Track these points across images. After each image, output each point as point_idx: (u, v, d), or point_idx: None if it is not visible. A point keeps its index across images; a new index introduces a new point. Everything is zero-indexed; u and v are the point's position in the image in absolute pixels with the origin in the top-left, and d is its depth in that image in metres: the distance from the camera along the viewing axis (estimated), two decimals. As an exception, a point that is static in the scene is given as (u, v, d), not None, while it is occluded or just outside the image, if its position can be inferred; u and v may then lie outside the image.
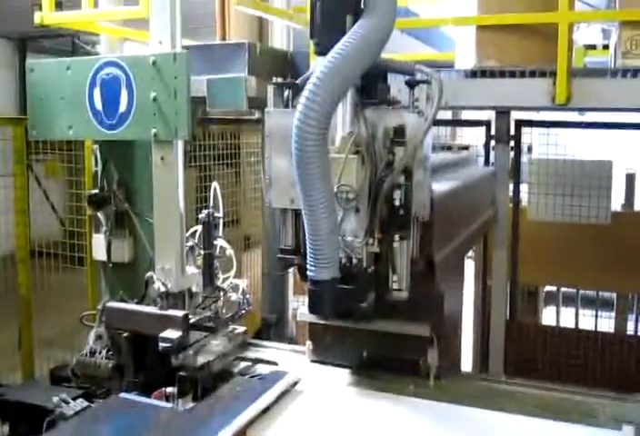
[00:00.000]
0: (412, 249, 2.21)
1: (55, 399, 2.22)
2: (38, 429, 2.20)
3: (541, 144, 4.03)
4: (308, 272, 2.07)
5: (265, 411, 1.99)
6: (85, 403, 2.21)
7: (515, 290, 3.98)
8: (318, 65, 2.06)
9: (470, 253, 3.94)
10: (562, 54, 2.72)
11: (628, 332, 4.26)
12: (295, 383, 2.20)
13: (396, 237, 2.15)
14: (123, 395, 2.15)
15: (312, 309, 2.19)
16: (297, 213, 2.34)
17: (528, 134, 4.12)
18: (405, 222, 2.14)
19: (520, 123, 3.70)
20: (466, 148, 4.44)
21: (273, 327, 3.05)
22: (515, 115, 3.65)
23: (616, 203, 4.13)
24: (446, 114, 4.73)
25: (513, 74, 2.96)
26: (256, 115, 3.69)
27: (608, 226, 3.77)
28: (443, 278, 2.36)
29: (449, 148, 4.48)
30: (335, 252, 2.03)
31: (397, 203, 2.12)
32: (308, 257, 2.07)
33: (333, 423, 1.96)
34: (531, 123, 3.81)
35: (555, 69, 2.76)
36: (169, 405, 2.07)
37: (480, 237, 3.59)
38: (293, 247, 2.41)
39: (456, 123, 4.46)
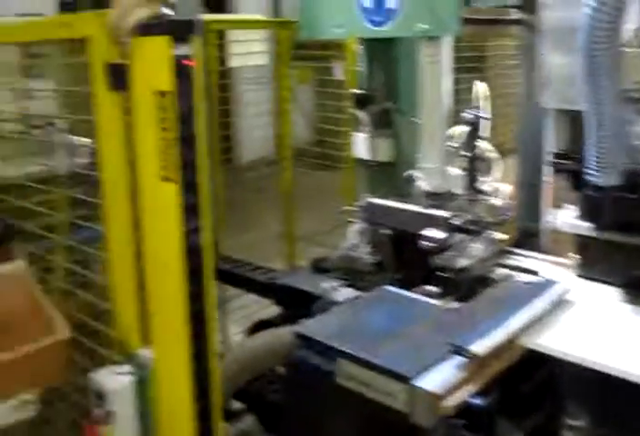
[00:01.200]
0: None
1: (326, 285, 2.34)
2: (304, 312, 2.36)
3: None
4: (588, 177, 1.93)
5: (535, 319, 1.93)
6: (354, 292, 2.30)
7: None
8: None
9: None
10: None
11: None
12: (565, 294, 2.11)
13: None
14: (388, 288, 2.21)
15: (588, 217, 2.06)
16: (574, 116, 2.18)
17: None
18: None
19: None
20: None
21: (531, 237, 2.95)
22: None
23: None
24: None
25: None
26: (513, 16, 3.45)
27: None
28: None
29: None
30: (620, 156, 1.88)
31: (698, 103, 1.89)
32: (588, 162, 1.93)
33: (610, 336, 1.86)
34: None
35: None
36: (435, 302, 2.09)
37: None
38: (567, 152, 2.27)
39: None
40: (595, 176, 1.90)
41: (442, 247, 2.37)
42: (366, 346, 1.80)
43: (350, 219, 2.79)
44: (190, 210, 1.40)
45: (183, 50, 1.35)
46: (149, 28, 1.37)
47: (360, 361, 1.75)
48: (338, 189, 4.04)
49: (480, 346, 1.73)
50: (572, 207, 2.38)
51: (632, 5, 1.91)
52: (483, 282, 2.41)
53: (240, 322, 3.36)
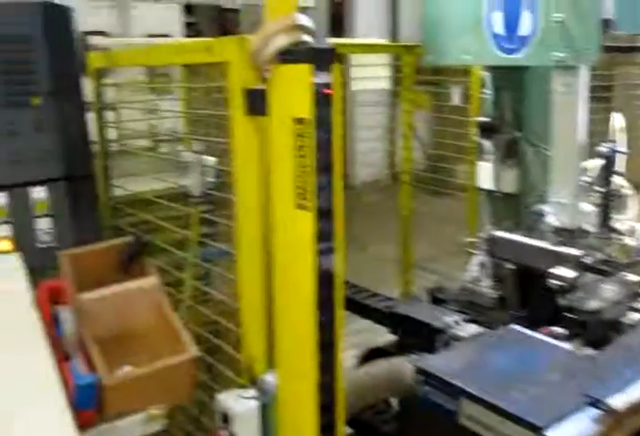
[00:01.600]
0: None
1: (449, 319, 2.26)
2: (421, 343, 2.29)
3: None
4: None
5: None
6: (477, 328, 2.21)
7: None
8: None
9: None
10: None
11: None
12: None
13: None
14: (515, 327, 2.11)
15: None
16: None
17: None
18: None
19: None
20: None
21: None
22: None
23: None
24: None
25: None
26: None
27: None
28: None
29: None
30: None
31: None
32: None
33: None
34: None
35: None
36: (567, 346, 1.97)
37: None
38: None
39: None
40: None
41: (571, 287, 2.25)
42: (494, 389, 1.71)
43: (471, 250, 2.72)
44: (324, 237, 1.38)
45: (323, 78, 1.34)
46: (291, 56, 1.36)
47: (487, 405, 1.67)
48: (451, 216, 3.97)
49: (619, 400, 1.61)
50: None
51: None
52: (615, 326, 2.27)
53: (351, 347, 3.33)
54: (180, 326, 1.68)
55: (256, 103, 1.48)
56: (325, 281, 1.40)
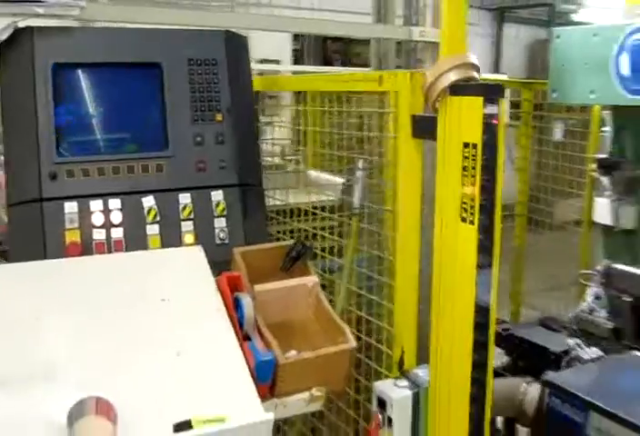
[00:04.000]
0: None
1: (571, 342, 2.50)
2: (538, 366, 2.52)
3: None
4: None
5: None
6: (599, 352, 2.44)
7: None
8: None
9: None
10: None
11: None
12: None
13: None
14: (638, 352, 2.33)
15: None
16: None
17: None
18: None
19: None
20: None
21: None
22: None
23: None
24: None
25: None
26: None
27: None
28: None
29: None
30: None
31: None
32: None
33: None
34: None
35: None
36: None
37: None
38: None
39: None
40: None
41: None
42: (621, 404, 1.94)
43: (587, 282, 2.94)
44: (484, 251, 1.67)
45: (491, 109, 1.64)
46: (464, 89, 1.67)
47: (615, 418, 1.89)
48: (553, 251, 4.17)
49: None
50: None
51: None
52: None
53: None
54: (339, 320, 1.98)
55: (425, 127, 1.79)
56: (482, 288, 1.69)
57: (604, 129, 3.24)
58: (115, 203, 2.07)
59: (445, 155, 1.72)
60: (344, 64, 8.77)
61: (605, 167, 3.06)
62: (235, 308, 1.88)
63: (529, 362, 2.65)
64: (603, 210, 3.10)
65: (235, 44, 2.26)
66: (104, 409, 1.50)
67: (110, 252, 2.05)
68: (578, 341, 2.52)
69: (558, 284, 4.04)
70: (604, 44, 2.82)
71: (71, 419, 1.48)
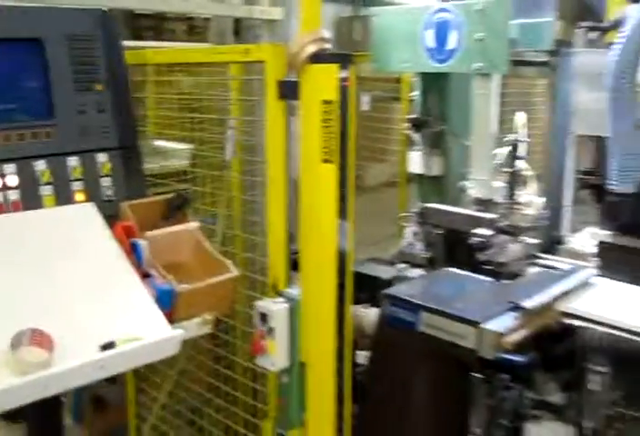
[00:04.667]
0: None
1: (401, 266, 3.09)
2: (373, 295, 3.08)
3: None
4: (608, 186, 2.71)
5: (565, 292, 2.68)
6: (422, 272, 3.05)
7: None
8: (633, 12, 2.65)
9: None
10: None
11: None
12: (590, 277, 2.87)
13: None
14: (450, 269, 2.97)
15: (609, 220, 2.83)
16: (597, 140, 2.96)
17: None
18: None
19: None
20: None
21: (557, 244, 3.71)
22: None
23: None
24: None
25: None
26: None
27: None
28: None
29: None
30: (635, 169, 2.66)
31: (695, 131, 2.68)
32: (610, 175, 2.71)
33: (625, 308, 2.59)
34: None
35: None
36: (489, 280, 2.84)
37: None
38: (591, 170, 3.05)
39: None
40: (616, 185, 2.68)
41: (487, 244, 3.12)
42: (444, 303, 2.54)
43: (406, 223, 3.56)
44: (342, 185, 2.16)
45: (344, 74, 2.13)
46: (323, 58, 2.14)
47: (440, 313, 2.49)
48: (373, 210, 4.80)
49: (531, 303, 2.48)
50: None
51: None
52: (517, 277, 3.15)
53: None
54: (221, 256, 2.40)
55: (289, 90, 2.25)
56: (343, 212, 2.19)
57: (413, 93, 3.86)
58: (9, 168, 2.33)
59: (309, 111, 2.19)
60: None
61: (416, 125, 3.69)
62: (132, 252, 2.24)
63: (366, 293, 3.21)
64: (416, 161, 3.73)
65: (109, 21, 2.57)
66: (38, 339, 1.83)
67: (9, 212, 2.32)
68: (403, 265, 3.13)
69: (374, 240, 4.63)
70: (413, 21, 3.41)
71: (11, 347, 1.81)
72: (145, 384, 3.40)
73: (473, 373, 2.63)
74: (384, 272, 3.24)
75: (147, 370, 3.29)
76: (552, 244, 3.64)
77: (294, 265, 2.48)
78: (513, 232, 3.22)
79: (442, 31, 3.32)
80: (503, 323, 2.40)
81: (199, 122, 2.93)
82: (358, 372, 2.94)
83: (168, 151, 3.19)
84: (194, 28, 8.93)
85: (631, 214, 2.76)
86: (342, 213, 2.25)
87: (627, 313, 2.51)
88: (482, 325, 2.38)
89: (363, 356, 3.03)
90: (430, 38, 3.37)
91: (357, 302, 3.11)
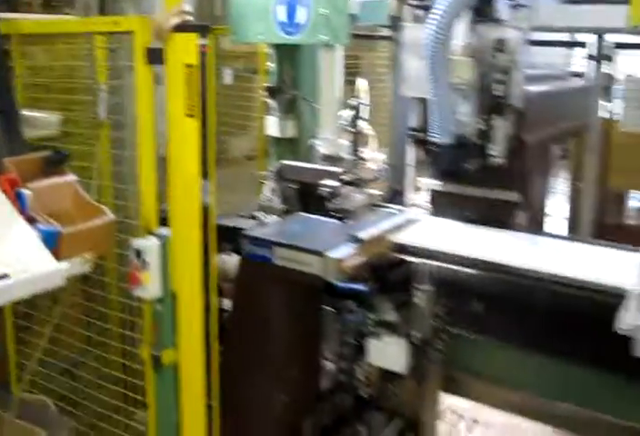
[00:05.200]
0: (508, 128, 3.38)
1: (257, 214, 3.57)
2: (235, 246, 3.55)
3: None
4: (431, 139, 3.30)
5: (397, 228, 3.27)
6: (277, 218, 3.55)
7: (602, 192, 5.07)
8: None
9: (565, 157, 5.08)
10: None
11: None
12: (415, 216, 3.47)
13: (496, 118, 3.34)
14: (302, 213, 3.49)
15: (435, 167, 3.43)
16: (424, 101, 3.53)
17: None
18: (502, 107, 3.32)
19: (617, 45, 4.74)
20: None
21: (397, 195, 4.29)
22: (613, 38, 4.69)
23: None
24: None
25: (599, 1, 4.00)
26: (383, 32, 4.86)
27: None
28: (530, 155, 3.52)
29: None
30: (452, 124, 3.25)
31: (497, 93, 3.29)
32: (432, 129, 3.29)
33: (458, 232, 3.19)
34: (628, 46, 4.84)
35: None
36: (334, 220, 3.37)
37: (570, 138, 4.74)
38: (420, 126, 3.63)
39: (553, 43, 5.45)
40: (437, 137, 3.27)
41: (336, 194, 3.65)
42: (293, 238, 3.06)
43: (264, 181, 4.04)
44: (204, 138, 2.62)
45: (203, 41, 2.58)
46: (186, 28, 2.58)
47: (290, 247, 3.00)
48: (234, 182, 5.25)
49: (366, 234, 3.03)
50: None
51: (456, 27, 3.28)
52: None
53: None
54: (97, 204, 2.81)
55: (155, 56, 2.68)
56: (204, 161, 2.65)
57: (269, 64, 4.34)
58: None
59: (173, 73, 2.63)
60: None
61: (272, 92, 4.18)
62: (16, 201, 2.62)
63: (230, 244, 3.66)
64: (272, 125, 4.22)
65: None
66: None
67: None
68: (261, 214, 3.62)
69: (237, 209, 5.06)
70: (266, -3, 3.87)
71: None
72: (24, 334, 3.73)
73: (323, 305, 3.19)
74: (245, 223, 3.71)
75: (26, 319, 3.63)
76: (395, 196, 4.22)
77: (162, 222, 2.93)
78: (357, 183, 3.77)
79: (291, 7, 3.81)
80: (343, 252, 2.93)
81: (70, 89, 3.29)
82: (224, 318, 3.41)
83: (38, 120, 3.54)
84: (50, 1, 9.00)
85: (451, 162, 3.37)
86: (204, 173, 2.71)
87: (444, 242, 3.13)
88: (325, 254, 2.90)
89: (227, 303, 3.51)
90: (282, 13, 3.84)
91: (223, 251, 3.59)
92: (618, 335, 2.36)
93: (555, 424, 3.11)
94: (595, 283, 2.67)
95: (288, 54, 4.15)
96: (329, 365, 3.41)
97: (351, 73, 4.60)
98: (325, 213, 3.59)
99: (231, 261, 3.53)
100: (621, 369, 2.69)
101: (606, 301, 2.54)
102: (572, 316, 2.79)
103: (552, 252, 3.11)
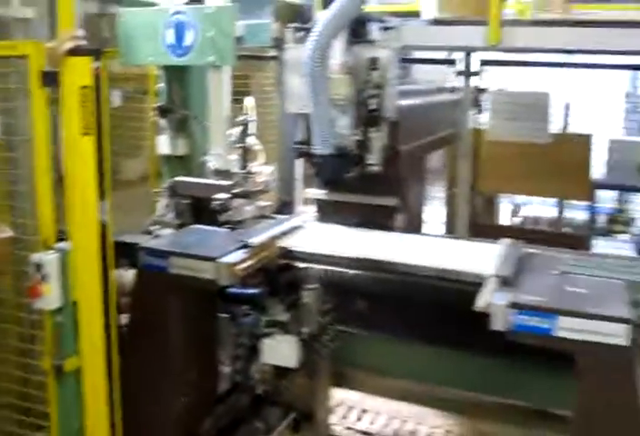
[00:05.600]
0: (383, 139, 3.75)
1: (153, 228, 3.81)
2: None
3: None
4: (314, 151, 3.63)
5: (284, 234, 3.57)
6: (172, 231, 3.79)
7: (475, 196, 5.58)
8: (321, 16, 3.58)
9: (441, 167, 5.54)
10: (493, 9, 4.23)
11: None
12: (300, 222, 3.78)
13: (372, 130, 3.70)
14: (197, 226, 3.74)
15: (317, 176, 3.76)
16: (307, 116, 3.86)
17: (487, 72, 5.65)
18: (377, 120, 3.69)
19: (483, 62, 5.24)
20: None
21: (286, 205, 4.60)
22: (480, 55, 5.18)
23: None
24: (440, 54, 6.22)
25: (462, 23, 4.46)
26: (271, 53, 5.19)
27: (549, 144, 5.34)
28: (404, 163, 3.90)
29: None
30: (332, 136, 3.59)
31: (372, 107, 3.66)
32: (315, 141, 3.63)
33: (340, 236, 3.51)
34: (491, 62, 5.36)
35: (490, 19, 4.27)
36: (226, 230, 3.65)
37: (443, 146, 5.18)
38: (304, 140, 3.95)
39: (427, 61, 5.95)
40: (318, 149, 3.60)
41: (227, 206, 3.92)
42: (187, 248, 3.31)
43: (157, 199, 4.27)
44: (99, 151, 2.86)
45: (97, 64, 2.82)
46: (79, 52, 2.82)
47: (185, 255, 3.25)
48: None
49: (255, 240, 3.32)
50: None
51: (334, 47, 3.63)
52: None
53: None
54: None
55: (50, 79, 2.89)
56: (101, 174, 2.89)
57: (160, 85, 4.58)
58: None
59: (69, 95, 2.86)
60: None
61: (162, 112, 4.42)
62: None
63: (127, 259, 3.86)
64: (164, 143, 4.46)
65: None
66: None
67: None
68: (156, 227, 3.86)
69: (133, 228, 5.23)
70: (155, 21, 4.12)
71: None
72: None
73: (217, 310, 3.45)
74: (140, 239, 3.93)
75: None
76: (284, 207, 4.53)
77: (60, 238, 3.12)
78: (247, 196, 4.05)
79: (179, 30, 4.08)
80: (234, 257, 3.21)
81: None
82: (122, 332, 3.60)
83: None
84: None
85: (333, 172, 3.71)
86: (101, 191, 2.95)
87: (327, 245, 3.45)
88: (218, 259, 3.17)
89: (124, 318, 3.70)
90: (170, 36, 4.10)
91: (120, 267, 3.80)
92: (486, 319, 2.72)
93: (436, 406, 3.47)
94: (462, 273, 3.04)
95: (178, 74, 4.41)
96: (226, 368, 3.66)
97: (241, 92, 4.90)
98: (218, 226, 3.86)
99: (127, 275, 3.74)
100: (490, 350, 3.06)
101: (472, 288, 2.90)
102: (443, 305, 3.15)
103: (424, 248, 3.48)
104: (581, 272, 2.93)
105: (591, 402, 2.46)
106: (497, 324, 2.60)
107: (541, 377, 3.15)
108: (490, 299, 2.65)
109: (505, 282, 2.78)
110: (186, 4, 4.20)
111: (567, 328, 2.47)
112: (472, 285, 2.91)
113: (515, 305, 2.58)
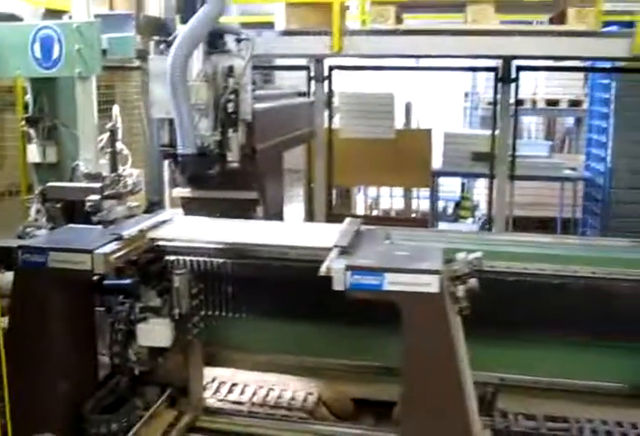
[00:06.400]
0: (241, 139, 4.28)
1: (27, 229, 4.18)
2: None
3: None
4: (178, 152, 4.12)
5: (154, 227, 4.03)
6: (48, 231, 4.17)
7: (331, 189, 6.21)
8: (181, 30, 4.09)
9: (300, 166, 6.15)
10: (335, 21, 4.85)
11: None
12: (169, 216, 4.25)
13: (230, 131, 4.23)
14: (74, 225, 4.14)
15: (182, 175, 4.24)
16: (170, 121, 4.34)
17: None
18: (234, 122, 4.21)
19: (331, 68, 5.88)
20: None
21: (155, 205, 5.04)
22: (330, 61, 5.81)
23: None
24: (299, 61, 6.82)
25: (309, 33, 5.06)
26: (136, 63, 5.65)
27: (394, 139, 6.06)
28: (261, 160, 4.44)
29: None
30: (193, 137, 4.09)
31: (230, 110, 4.19)
32: (178, 143, 4.11)
33: (204, 226, 4.00)
34: (339, 67, 6.01)
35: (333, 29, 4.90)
36: (98, 227, 4.06)
37: (299, 144, 5.80)
38: (168, 143, 4.43)
39: (283, 68, 6.57)
40: (181, 149, 4.10)
41: (98, 207, 4.33)
42: (64, 243, 3.72)
43: (29, 204, 4.62)
44: None
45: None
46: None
47: (63, 250, 3.65)
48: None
49: (127, 232, 3.77)
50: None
51: (193, 57, 4.13)
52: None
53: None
54: None
55: None
56: None
57: (27, 96, 4.95)
58: None
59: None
60: None
61: (31, 122, 4.81)
62: None
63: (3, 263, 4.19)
64: (33, 152, 4.84)
65: None
66: None
67: None
68: (30, 229, 4.23)
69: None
70: (22, 36, 4.50)
71: None
72: None
73: (95, 301, 3.86)
74: (14, 242, 4.25)
75: None
76: (153, 206, 4.99)
77: None
78: (117, 197, 4.46)
79: (46, 43, 4.47)
80: (109, 248, 3.64)
81: None
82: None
83: None
84: None
85: (195, 170, 4.21)
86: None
87: (192, 234, 3.94)
88: (93, 251, 3.59)
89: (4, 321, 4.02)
90: (37, 50, 4.49)
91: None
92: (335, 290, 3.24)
93: (297, 374, 4.01)
94: (311, 248, 3.59)
95: (46, 85, 4.81)
96: (106, 354, 4.06)
97: (108, 101, 5.33)
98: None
99: (4, 278, 4.07)
100: (339, 320, 3.62)
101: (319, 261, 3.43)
102: (298, 281, 3.69)
103: (280, 232, 4.01)
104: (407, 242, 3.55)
105: (414, 341, 3.06)
106: (338, 285, 3.14)
107: (381, 339, 3.74)
108: (331, 264, 3.20)
109: (344, 251, 3.35)
110: (44, 17, 4.62)
111: (393, 282, 3.05)
112: (319, 262, 3.45)
113: (350, 267, 3.14)
